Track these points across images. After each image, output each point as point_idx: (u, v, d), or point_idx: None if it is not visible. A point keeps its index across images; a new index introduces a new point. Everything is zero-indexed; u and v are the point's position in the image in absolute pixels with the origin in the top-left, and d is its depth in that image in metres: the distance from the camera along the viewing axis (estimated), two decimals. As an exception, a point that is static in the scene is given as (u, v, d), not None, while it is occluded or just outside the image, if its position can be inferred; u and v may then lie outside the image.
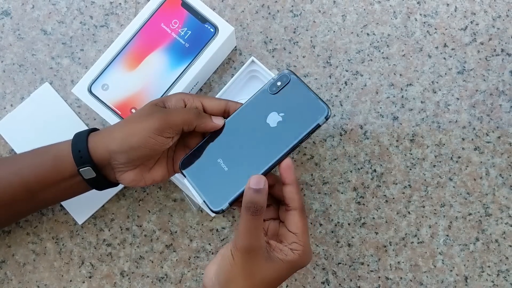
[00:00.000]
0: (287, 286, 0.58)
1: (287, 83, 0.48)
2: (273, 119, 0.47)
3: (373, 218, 0.58)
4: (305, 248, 0.44)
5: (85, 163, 0.47)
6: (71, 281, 0.59)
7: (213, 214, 0.58)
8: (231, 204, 0.46)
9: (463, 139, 0.59)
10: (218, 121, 0.48)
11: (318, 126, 0.46)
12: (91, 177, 0.48)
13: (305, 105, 0.47)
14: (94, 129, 0.50)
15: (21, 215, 0.55)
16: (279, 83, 0.48)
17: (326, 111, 0.46)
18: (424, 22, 0.60)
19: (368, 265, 0.58)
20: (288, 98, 0.47)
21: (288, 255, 0.44)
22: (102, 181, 0.49)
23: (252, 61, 0.56)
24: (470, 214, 0.58)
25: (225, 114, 0.49)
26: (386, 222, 0.58)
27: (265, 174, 0.46)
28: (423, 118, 0.59)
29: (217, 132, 0.49)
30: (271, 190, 0.48)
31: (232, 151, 0.47)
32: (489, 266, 0.58)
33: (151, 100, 0.50)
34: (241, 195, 0.45)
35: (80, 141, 0.48)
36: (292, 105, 0.47)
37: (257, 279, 0.43)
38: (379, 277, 0.58)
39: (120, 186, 0.58)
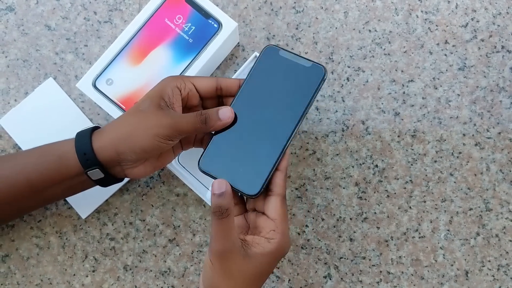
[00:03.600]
0: (289, 280, 0.58)
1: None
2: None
3: (375, 213, 0.59)
4: (282, 237, 0.44)
5: (92, 165, 0.47)
6: (74, 275, 0.59)
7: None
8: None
9: (464, 134, 0.59)
10: (226, 116, 0.47)
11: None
12: (99, 177, 0.48)
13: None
14: (96, 127, 0.50)
15: (25, 212, 0.56)
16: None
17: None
18: (425, 19, 0.61)
19: (369, 260, 0.58)
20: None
21: (265, 248, 0.43)
22: (110, 179, 0.49)
23: (255, 56, 0.57)
24: (470, 209, 0.59)
25: (218, 92, 0.50)
26: (388, 217, 0.59)
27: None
28: (424, 114, 0.60)
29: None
30: None
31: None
32: (489, 261, 0.58)
33: (148, 95, 0.48)
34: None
35: (84, 143, 0.47)
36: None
37: (238, 278, 0.43)
38: (381, 272, 0.58)
39: (124, 181, 0.59)
